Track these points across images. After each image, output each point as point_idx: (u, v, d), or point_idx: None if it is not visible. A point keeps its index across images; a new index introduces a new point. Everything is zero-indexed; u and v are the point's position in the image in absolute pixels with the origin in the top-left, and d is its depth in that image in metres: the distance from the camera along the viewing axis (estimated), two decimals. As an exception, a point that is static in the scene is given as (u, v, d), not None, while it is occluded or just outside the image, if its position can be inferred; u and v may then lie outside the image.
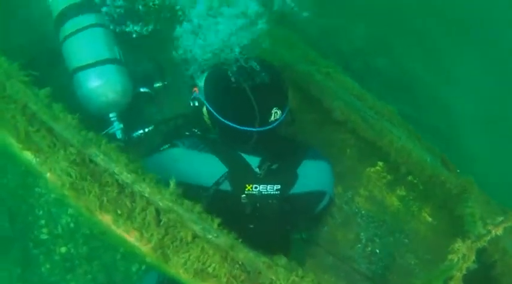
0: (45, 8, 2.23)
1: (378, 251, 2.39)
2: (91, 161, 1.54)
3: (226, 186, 1.65)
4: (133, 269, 2.74)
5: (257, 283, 1.46)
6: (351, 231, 2.42)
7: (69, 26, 2.12)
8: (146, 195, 1.48)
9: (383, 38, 3.46)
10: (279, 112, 1.60)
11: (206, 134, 1.80)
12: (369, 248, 2.39)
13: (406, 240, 2.42)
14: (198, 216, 1.47)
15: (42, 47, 2.32)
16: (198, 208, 1.48)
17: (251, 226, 1.68)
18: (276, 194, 1.68)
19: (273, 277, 1.44)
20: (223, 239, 1.46)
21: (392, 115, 2.15)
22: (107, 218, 1.54)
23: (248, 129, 1.59)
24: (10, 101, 1.65)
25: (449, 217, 2.23)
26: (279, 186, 1.68)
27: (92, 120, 1.95)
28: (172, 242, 1.48)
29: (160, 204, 1.48)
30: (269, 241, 1.68)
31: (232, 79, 1.63)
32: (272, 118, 1.59)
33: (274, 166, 1.67)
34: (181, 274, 1.48)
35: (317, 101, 2.19)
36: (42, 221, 2.84)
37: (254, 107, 1.56)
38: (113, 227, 1.53)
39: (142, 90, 2.25)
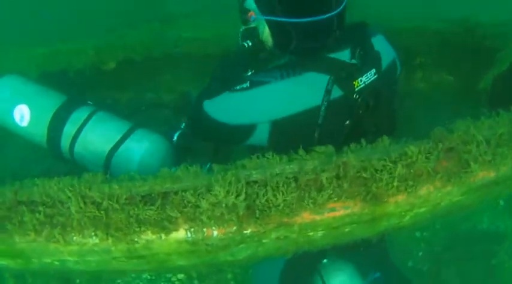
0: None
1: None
2: (249, 183, 1.41)
3: (336, 92, 1.57)
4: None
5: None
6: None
7: (72, 125, 1.90)
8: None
9: None
10: None
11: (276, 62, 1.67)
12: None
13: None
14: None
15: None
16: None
17: (373, 121, 1.64)
18: (375, 78, 1.63)
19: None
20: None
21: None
22: (307, 216, 1.43)
23: (329, 15, 1.50)
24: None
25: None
26: (374, 70, 1.63)
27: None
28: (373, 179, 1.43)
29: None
30: (390, 126, 1.75)
31: None
32: None
33: (361, 52, 1.60)
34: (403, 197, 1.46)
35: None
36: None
37: None
38: (317, 218, 1.43)
39: (176, 136, 2.06)
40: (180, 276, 2.45)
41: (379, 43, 1.73)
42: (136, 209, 1.42)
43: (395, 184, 1.43)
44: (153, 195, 1.44)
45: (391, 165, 1.43)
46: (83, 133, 1.88)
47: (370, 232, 1.58)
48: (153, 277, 2.44)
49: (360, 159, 1.43)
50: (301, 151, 1.46)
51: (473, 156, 1.49)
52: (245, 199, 1.38)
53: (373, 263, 2.22)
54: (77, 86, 2.24)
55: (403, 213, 1.53)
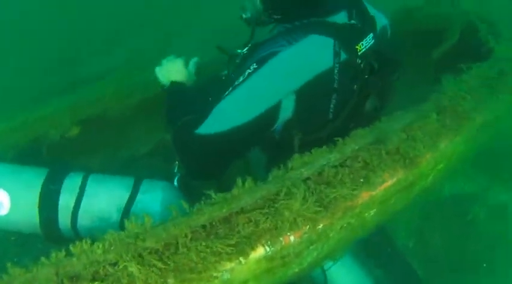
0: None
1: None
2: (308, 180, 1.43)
3: (343, 56, 1.51)
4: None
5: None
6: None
7: (67, 196, 1.68)
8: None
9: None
10: None
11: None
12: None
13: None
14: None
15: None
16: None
17: (380, 84, 1.64)
18: (373, 43, 1.60)
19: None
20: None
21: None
22: (365, 195, 1.49)
23: None
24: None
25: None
26: (371, 34, 1.60)
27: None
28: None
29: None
30: (391, 90, 1.78)
31: None
32: None
33: (358, 14, 1.60)
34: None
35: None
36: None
37: None
38: (373, 193, 1.50)
39: (176, 180, 1.92)
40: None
41: (371, 9, 1.73)
42: (204, 242, 1.32)
43: (423, 146, 1.58)
44: (214, 223, 1.36)
45: (417, 131, 1.59)
46: (84, 200, 1.67)
47: (407, 199, 1.70)
48: None
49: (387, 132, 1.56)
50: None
51: (466, 108, 1.73)
52: (316, 200, 1.39)
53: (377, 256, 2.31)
54: (43, 157, 1.98)
55: (429, 171, 1.68)
